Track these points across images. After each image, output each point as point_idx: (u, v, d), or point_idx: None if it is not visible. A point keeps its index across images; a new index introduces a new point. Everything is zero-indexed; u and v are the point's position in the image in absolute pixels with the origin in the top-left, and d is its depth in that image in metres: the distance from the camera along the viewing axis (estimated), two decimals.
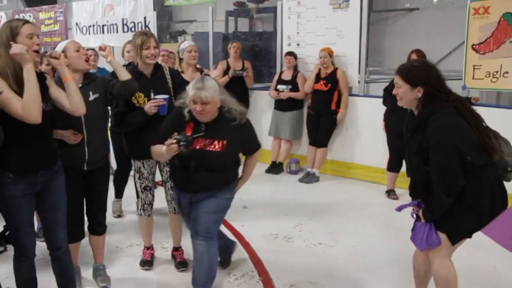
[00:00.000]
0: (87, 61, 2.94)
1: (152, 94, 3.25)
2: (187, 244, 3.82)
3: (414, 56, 4.78)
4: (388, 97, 4.98)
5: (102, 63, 5.34)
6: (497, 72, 4.73)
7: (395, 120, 4.90)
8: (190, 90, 2.73)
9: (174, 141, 2.69)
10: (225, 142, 2.80)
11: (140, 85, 3.19)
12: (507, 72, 4.66)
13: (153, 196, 3.48)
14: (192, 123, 2.83)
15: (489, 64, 4.77)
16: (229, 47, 6.38)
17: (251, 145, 3.04)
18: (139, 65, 3.30)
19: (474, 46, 4.87)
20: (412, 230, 2.69)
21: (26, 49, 2.39)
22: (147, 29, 7.85)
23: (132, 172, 4.59)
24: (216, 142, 2.80)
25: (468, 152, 2.36)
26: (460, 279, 2.65)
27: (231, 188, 3.05)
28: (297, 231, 4.27)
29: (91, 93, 2.94)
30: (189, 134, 2.78)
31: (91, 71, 3.17)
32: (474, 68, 4.89)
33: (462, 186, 2.40)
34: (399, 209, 2.77)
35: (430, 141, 2.37)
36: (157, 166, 3.49)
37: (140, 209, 3.48)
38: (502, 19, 4.63)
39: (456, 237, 2.51)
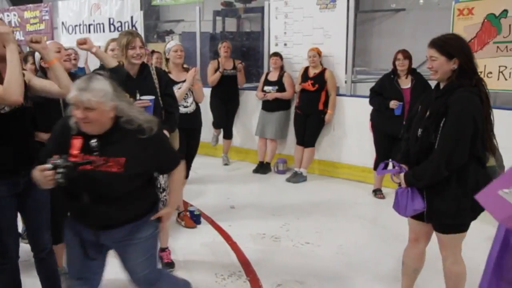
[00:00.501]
0: (67, 61, 2.89)
1: (138, 95, 3.23)
2: (174, 244, 3.83)
3: (400, 56, 4.82)
4: (375, 97, 5.02)
5: (82, 62, 5.29)
6: (481, 72, 4.76)
7: (382, 120, 4.95)
8: (71, 90, 2.14)
9: (49, 166, 2.03)
10: (123, 160, 2.15)
11: (125, 86, 3.17)
12: (491, 72, 4.72)
13: None
14: (80, 138, 2.15)
15: None
16: (219, 47, 6.37)
17: (166, 161, 2.37)
18: (124, 65, 3.28)
19: (468, 44, 4.92)
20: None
21: (11, 30, 2.38)
22: (134, 28, 7.81)
23: None
24: (111, 161, 2.15)
25: (479, 132, 2.41)
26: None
27: (153, 214, 2.38)
28: (285, 231, 4.28)
29: None
30: (75, 151, 2.12)
31: (72, 70, 3.14)
32: None
33: (462, 164, 2.41)
34: (380, 173, 2.77)
35: (452, 107, 2.39)
36: None
37: None
38: (486, 20, 4.69)
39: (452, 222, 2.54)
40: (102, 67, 3.29)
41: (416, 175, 2.52)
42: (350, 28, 5.77)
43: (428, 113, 2.53)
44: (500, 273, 1.95)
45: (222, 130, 6.56)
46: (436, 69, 2.49)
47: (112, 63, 3.00)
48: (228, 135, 6.58)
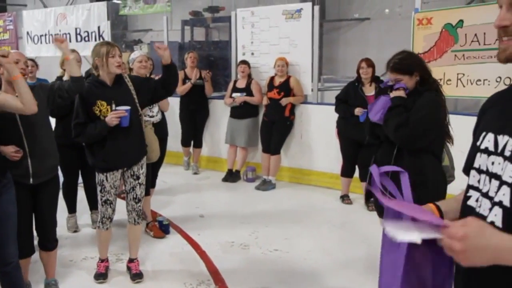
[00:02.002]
0: (23, 75, 2.87)
1: (113, 105, 3.22)
2: (142, 255, 3.81)
3: (363, 65, 4.93)
4: (340, 104, 5.13)
5: (42, 74, 5.21)
6: (441, 79, 4.94)
7: (347, 127, 5.06)
8: None
9: None
10: None
11: (102, 95, 3.21)
12: (450, 80, 4.89)
13: (113, 210, 3.42)
14: None
15: (433, 72, 4.88)
16: (185, 57, 6.40)
17: None
18: (100, 75, 3.27)
19: (419, 55, 5.08)
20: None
21: None
22: (101, 38, 7.76)
23: (81, 183, 4.54)
24: None
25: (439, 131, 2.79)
26: None
27: None
28: (253, 238, 4.32)
29: None
30: None
31: (29, 82, 3.13)
32: None
33: (418, 146, 2.74)
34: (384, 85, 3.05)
35: (419, 101, 2.74)
36: (122, 178, 3.44)
37: (99, 222, 3.44)
38: (443, 30, 4.87)
39: None
40: (60, 78, 3.27)
41: (394, 113, 2.78)
42: (315, 37, 5.88)
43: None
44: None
45: (191, 148, 6.59)
46: (404, 87, 2.85)
47: (78, 72, 3.04)
48: (198, 144, 6.60)
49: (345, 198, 5.35)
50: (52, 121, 4.83)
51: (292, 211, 5.10)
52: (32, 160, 2.90)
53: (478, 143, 1.24)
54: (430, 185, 2.66)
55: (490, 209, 1.14)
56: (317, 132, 5.95)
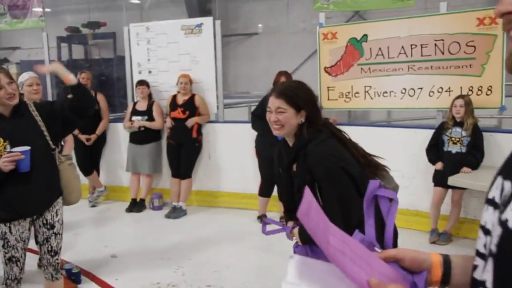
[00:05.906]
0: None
1: (8, 147, 2.57)
2: None
3: (283, 79, 4.72)
4: (257, 121, 4.92)
5: None
6: (349, 92, 5.04)
7: (266, 145, 4.87)
8: None
9: None
10: None
11: None
12: (358, 92, 5.00)
13: (21, 269, 2.77)
14: None
15: (341, 85, 5.07)
16: (77, 78, 5.67)
17: None
18: None
19: (326, 69, 5.13)
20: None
21: None
22: None
23: None
24: None
25: (356, 176, 2.10)
26: None
27: None
28: (180, 275, 3.90)
29: None
30: None
31: None
32: (328, 90, 5.15)
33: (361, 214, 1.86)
34: (267, 233, 2.33)
35: (317, 172, 2.07)
36: (33, 227, 2.83)
37: (3, 284, 2.76)
38: (349, 44, 4.96)
39: None
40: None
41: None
42: (218, 52, 5.63)
43: (296, 185, 2.17)
44: None
45: (95, 176, 5.87)
46: (283, 122, 2.10)
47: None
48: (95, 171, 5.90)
49: (263, 218, 5.15)
50: None
51: (211, 238, 4.76)
52: None
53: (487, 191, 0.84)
54: None
55: None
56: (225, 151, 5.70)
